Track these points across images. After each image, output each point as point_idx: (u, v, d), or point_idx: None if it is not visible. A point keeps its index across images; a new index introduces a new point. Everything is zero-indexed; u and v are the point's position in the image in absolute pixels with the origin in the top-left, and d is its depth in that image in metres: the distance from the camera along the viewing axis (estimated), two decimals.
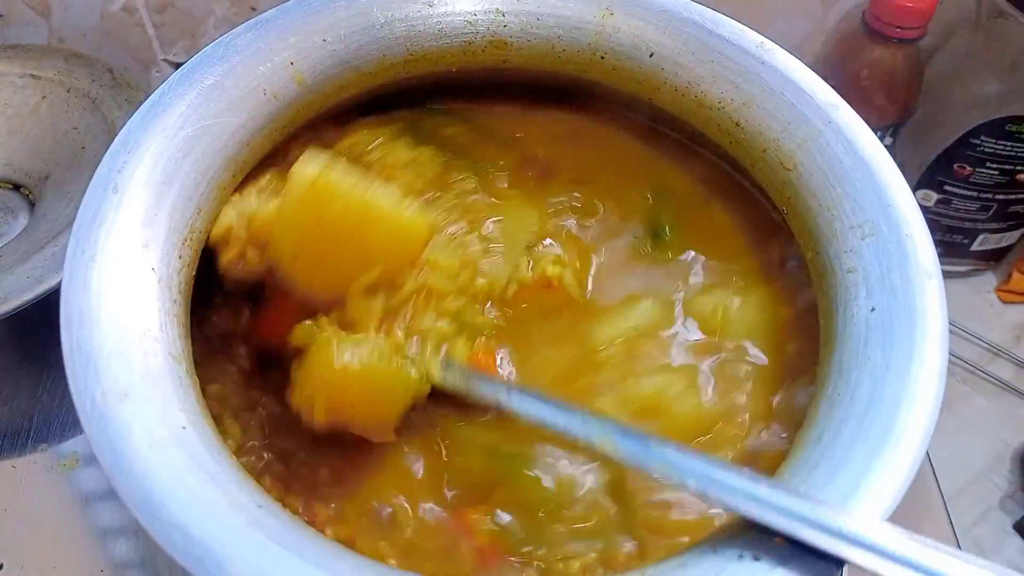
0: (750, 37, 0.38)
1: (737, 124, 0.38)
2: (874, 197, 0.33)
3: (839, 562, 0.24)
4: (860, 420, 0.28)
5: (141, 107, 0.34)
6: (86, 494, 0.50)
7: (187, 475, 0.26)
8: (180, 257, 0.33)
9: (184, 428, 0.27)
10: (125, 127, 0.34)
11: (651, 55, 0.40)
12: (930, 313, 0.30)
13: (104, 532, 0.48)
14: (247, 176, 0.37)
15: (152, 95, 0.35)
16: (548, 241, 0.40)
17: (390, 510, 0.33)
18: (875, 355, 0.30)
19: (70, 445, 0.52)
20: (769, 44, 0.38)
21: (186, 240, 0.33)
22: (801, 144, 0.36)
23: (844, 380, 0.30)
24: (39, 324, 0.52)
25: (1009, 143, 0.66)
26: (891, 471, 0.26)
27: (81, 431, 0.52)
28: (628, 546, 0.32)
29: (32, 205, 0.60)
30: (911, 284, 0.31)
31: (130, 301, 0.30)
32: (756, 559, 0.25)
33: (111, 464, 0.25)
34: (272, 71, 0.37)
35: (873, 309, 0.31)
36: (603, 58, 0.41)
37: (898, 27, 0.64)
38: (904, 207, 0.33)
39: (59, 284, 0.48)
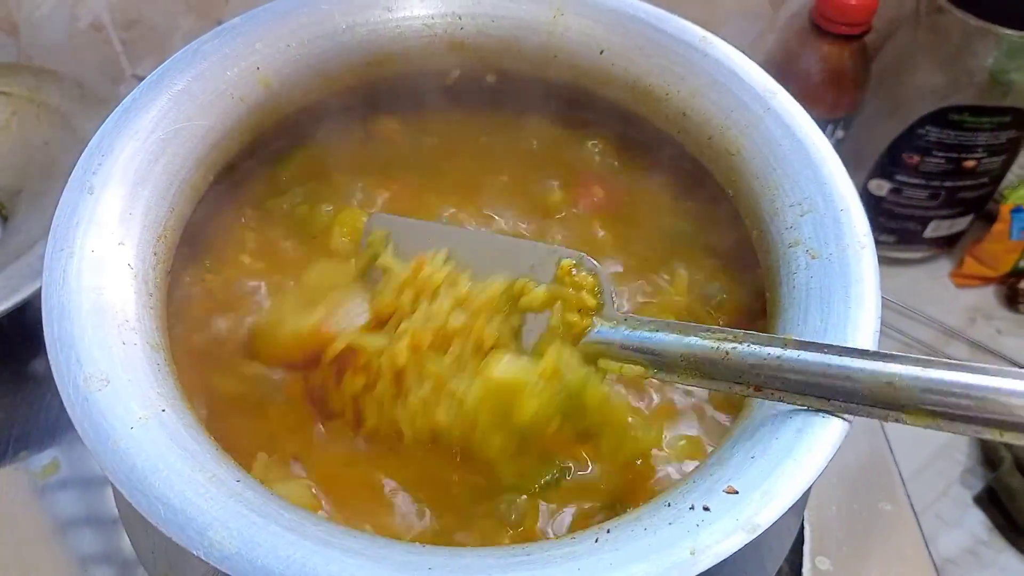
0: (693, 31, 0.41)
1: (684, 114, 0.40)
2: (811, 176, 0.35)
3: None
4: None
5: (113, 112, 0.36)
6: (64, 514, 0.50)
7: (168, 453, 0.27)
8: (155, 254, 0.34)
9: (163, 411, 0.29)
10: (99, 131, 0.35)
11: (601, 52, 0.42)
12: (865, 280, 0.32)
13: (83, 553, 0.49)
14: None
15: (124, 100, 0.36)
16: None
17: None
18: (814, 320, 0.32)
19: (50, 453, 0.53)
20: (711, 37, 0.40)
21: (160, 238, 0.35)
22: (744, 130, 0.38)
23: None
24: (14, 334, 0.53)
25: (953, 132, 0.68)
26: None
27: (60, 438, 0.53)
28: None
29: (5, 219, 0.60)
30: (846, 254, 0.33)
31: (108, 294, 0.31)
32: (706, 509, 0.27)
33: (95, 442, 0.27)
34: (239, 76, 0.38)
35: (812, 278, 0.33)
36: (556, 56, 0.43)
37: (844, 24, 0.67)
38: (839, 184, 0.35)
39: (33, 294, 0.50)
